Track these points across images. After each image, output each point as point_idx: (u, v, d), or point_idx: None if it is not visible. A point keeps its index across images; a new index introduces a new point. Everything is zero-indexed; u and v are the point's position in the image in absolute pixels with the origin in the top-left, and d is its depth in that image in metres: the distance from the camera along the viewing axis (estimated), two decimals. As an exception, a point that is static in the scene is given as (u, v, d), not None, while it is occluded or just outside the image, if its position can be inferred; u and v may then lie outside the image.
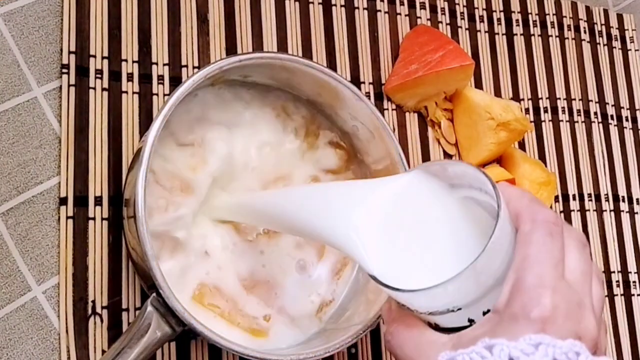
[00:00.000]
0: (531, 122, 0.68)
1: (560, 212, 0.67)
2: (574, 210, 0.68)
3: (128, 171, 0.50)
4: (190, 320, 0.42)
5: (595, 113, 0.72)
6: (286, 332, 0.50)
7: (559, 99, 0.70)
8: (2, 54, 0.49)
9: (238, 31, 0.57)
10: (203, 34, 0.56)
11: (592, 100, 0.72)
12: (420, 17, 0.65)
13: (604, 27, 0.76)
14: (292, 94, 0.54)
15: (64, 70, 0.50)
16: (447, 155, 0.63)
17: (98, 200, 0.49)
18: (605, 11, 0.76)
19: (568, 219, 0.67)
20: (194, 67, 0.55)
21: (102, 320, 0.48)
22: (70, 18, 0.51)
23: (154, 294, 0.44)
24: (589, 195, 0.69)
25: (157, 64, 0.53)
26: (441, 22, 0.66)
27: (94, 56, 0.51)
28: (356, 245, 0.36)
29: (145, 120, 0.52)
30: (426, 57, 0.59)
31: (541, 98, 0.69)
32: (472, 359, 0.29)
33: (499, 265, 0.33)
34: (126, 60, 0.52)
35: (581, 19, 0.74)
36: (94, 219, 0.49)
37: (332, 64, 0.60)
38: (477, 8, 0.68)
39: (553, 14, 0.72)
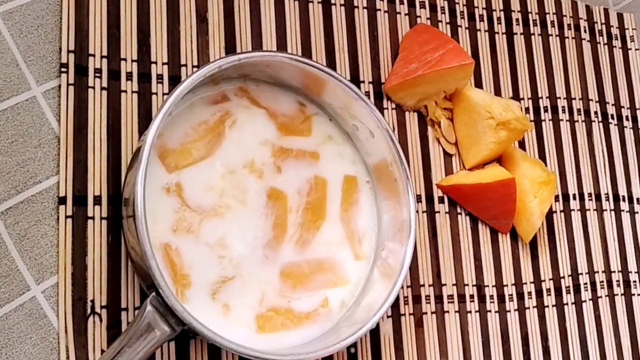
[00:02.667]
0: (531, 121, 0.68)
1: (561, 211, 0.67)
2: (574, 210, 0.68)
3: (127, 170, 0.50)
4: (189, 319, 0.42)
5: (596, 112, 0.72)
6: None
7: (559, 98, 0.70)
8: (1, 53, 0.49)
9: (237, 30, 0.57)
10: (202, 33, 0.55)
11: (592, 100, 0.72)
12: (420, 16, 0.65)
13: (604, 26, 0.75)
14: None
15: (63, 70, 0.50)
16: (447, 155, 0.63)
17: (97, 200, 0.49)
18: (606, 10, 0.76)
19: (568, 219, 0.67)
20: (193, 66, 0.55)
21: (101, 320, 0.48)
22: (69, 17, 0.51)
23: (154, 294, 0.44)
24: (589, 194, 0.69)
25: (156, 63, 0.53)
26: (441, 21, 0.66)
27: (93, 55, 0.51)
28: None
29: (145, 119, 0.52)
30: (426, 56, 0.59)
31: (541, 97, 0.69)
32: None
33: None
34: (125, 60, 0.52)
35: (581, 18, 0.74)
36: (93, 218, 0.49)
37: (331, 63, 0.60)
38: (477, 7, 0.68)
39: (553, 13, 0.72)
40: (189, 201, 0.48)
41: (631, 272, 0.70)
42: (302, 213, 0.52)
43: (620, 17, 0.77)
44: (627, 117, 0.74)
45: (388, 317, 0.57)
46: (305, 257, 0.52)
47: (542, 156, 0.68)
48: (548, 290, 0.64)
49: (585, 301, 0.66)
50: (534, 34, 0.71)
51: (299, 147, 0.53)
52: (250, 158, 0.51)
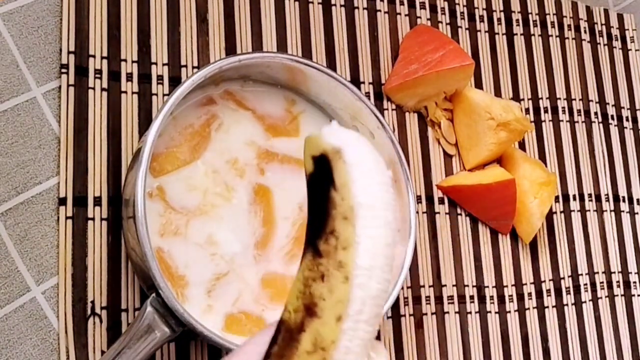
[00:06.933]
0: (531, 122, 0.68)
1: (561, 212, 0.67)
2: (574, 211, 0.68)
3: (127, 171, 0.50)
4: (190, 320, 0.42)
5: (596, 113, 0.72)
6: None
7: (559, 99, 0.70)
8: (1, 54, 0.49)
9: (237, 31, 0.57)
10: (202, 34, 0.55)
11: (592, 100, 0.72)
12: (420, 17, 0.65)
13: (604, 27, 0.75)
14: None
15: (63, 70, 0.50)
16: (447, 155, 0.63)
17: (97, 201, 0.49)
18: (606, 11, 0.76)
19: (568, 219, 0.67)
20: (193, 67, 0.55)
21: (101, 321, 0.48)
22: (70, 18, 0.51)
23: (154, 295, 0.44)
24: (589, 195, 0.69)
25: (156, 64, 0.53)
26: (441, 22, 0.66)
27: (93, 56, 0.51)
28: None
29: (145, 120, 0.52)
30: (426, 57, 0.59)
31: (541, 98, 0.69)
32: None
33: None
34: (125, 60, 0.52)
35: (581, 19, 0.74)
36: (93, 219, 0.49)
37: (331, 63, 0.60)
38: (477, 8, 0.68)
39: (553, 14, 0.72)
40: (173, 203, 0.48)
41: (631, 272, 0.70)
42: (298, 228, 0.52)
43: (620, 17, 0.77)
44: (627, 117, 0.74)
45: (388, 318, 0.57)
46: (291, 273, 0.51)
47: (542, 157, 0.68)
48: (548, 291, 0.64)
49: (585, 302, 0.66)
50: (534, 34, 0.71)
51: (285, 151, 0.52)
52: (234, 157, 0.51)
